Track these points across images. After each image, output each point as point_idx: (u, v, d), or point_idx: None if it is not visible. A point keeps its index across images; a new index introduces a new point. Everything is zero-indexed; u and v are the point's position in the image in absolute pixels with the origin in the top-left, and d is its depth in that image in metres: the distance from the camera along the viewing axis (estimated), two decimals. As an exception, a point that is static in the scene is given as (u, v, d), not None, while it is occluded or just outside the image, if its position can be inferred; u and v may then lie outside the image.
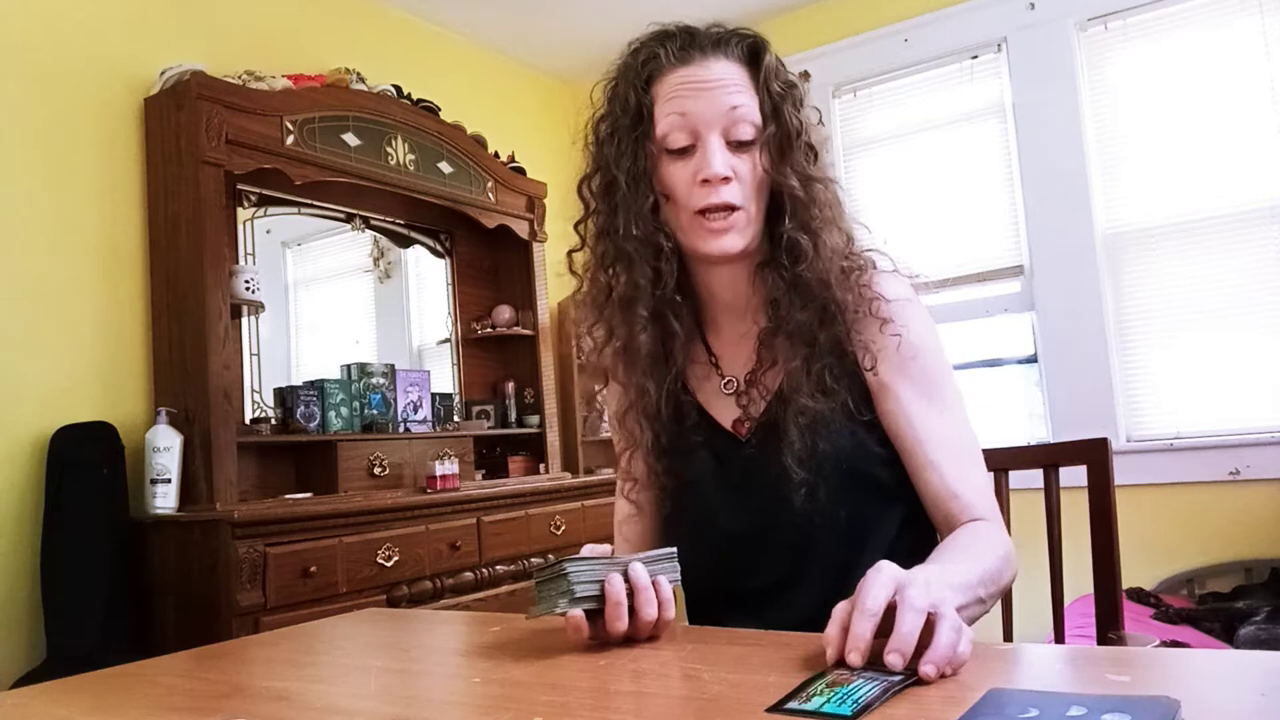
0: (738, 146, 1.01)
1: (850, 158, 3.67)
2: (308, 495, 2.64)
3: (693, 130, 1.01)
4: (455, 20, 3.60)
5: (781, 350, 1.04)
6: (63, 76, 2.45)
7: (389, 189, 3.01)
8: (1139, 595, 2.79)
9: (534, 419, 3.51)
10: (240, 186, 2.76)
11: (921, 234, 3.46)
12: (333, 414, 2.80)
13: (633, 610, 0.84)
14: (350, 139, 2.86)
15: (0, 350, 2.27)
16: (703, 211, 1.00)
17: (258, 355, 2.81)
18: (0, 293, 2.29)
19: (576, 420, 3.83)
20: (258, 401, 2.79)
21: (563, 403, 3.75)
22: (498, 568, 2.86)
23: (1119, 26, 3.18)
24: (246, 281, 2.67)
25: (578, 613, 0.83)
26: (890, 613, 0.67)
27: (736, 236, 1.01)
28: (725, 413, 1.09)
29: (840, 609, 0.70)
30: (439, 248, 3.49)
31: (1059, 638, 1.25)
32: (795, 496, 0.98)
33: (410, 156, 3.06)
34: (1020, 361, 3.36)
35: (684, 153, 1.02)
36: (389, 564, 2.51)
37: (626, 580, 0.84)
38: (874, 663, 0.65)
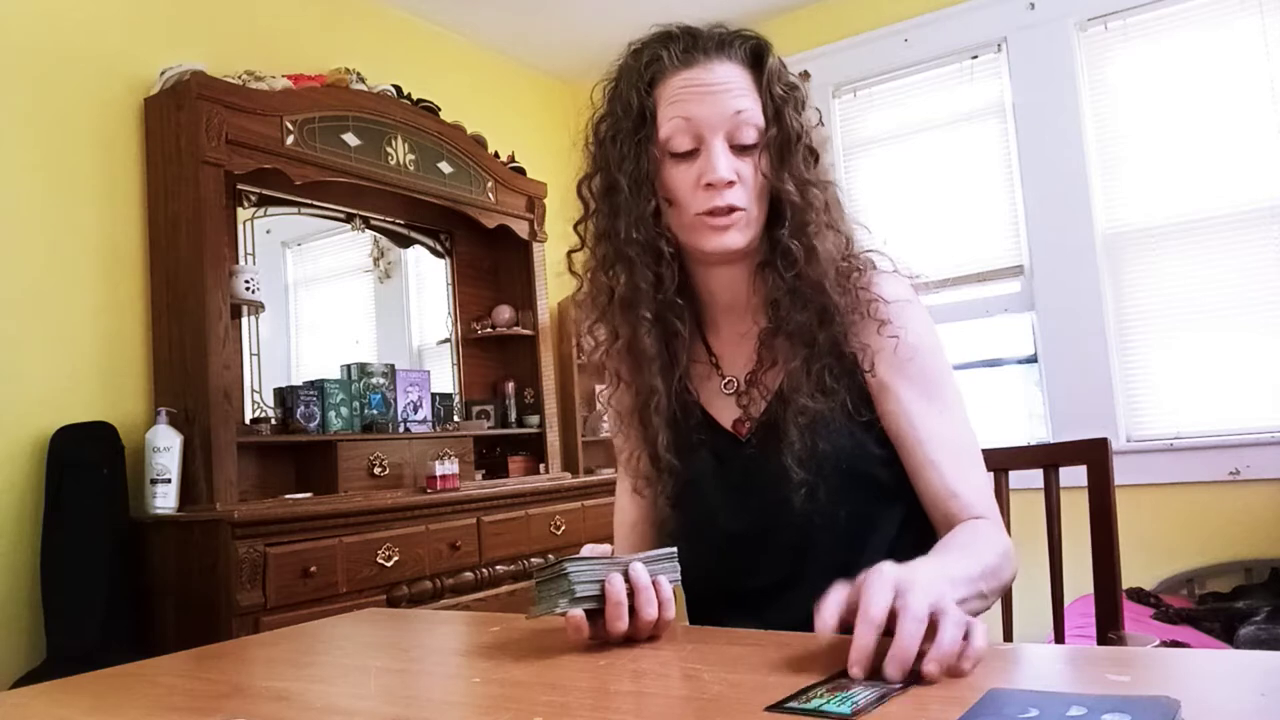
0: (740, 150, 1.01)
1: (850, 158, 3.67)
2: (308, 495, 2.64)
3: (696, 134, 1.00)
4: (455, 20, 3.60)
5: (781, 350, 1.04)
6: (63, 76, 2.45)
7: (389, 189, 3.01)
8: (1139, 595, 2.79)
9: (534, 419, 3.51)
10: (240, 186, 2.76)
11: (921, 234, 3.46)
12: (333, 414, 2.80)
13: (633, 610, 0.84)
14: (350, 139, 2.86)
15: (0, 350, 2.27)
16: (706, 214, 1.00)
17: (258, 355, 2.81)
18: (0, 293, 2.29)
19: (576, 420, 3.83)
20: (258, 401, 2.79)
21: (563, 403, 3.75)
22: (498, 568, 2.86)
23: (1119, 26, 3.18)
24: (246, 281, 2.67)
25: (578, 613, 0.83)
26: (891, 615, 0.67)
27: (738, 234, 1.01)
28: (725, 413, 1.09)
29: (837, 592, 0.70)
30: (439, 248, 3.49)
31: (1059, 638, 1.25)
32: (795, 497, 0.98)
33: (410, 156, 3.06)
34: (1020, 361, 3.36)
35: (687, 156, 1.01)
36: (389, 564, 2.51)
37: (626, 580, 0.85)
38: (874, 674, 0.65)
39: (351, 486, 2.72)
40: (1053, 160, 3.22)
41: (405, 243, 3.38)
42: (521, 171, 3.53)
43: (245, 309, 2.73)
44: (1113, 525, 1.22)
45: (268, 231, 2.90)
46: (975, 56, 3.44)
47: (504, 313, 3.54)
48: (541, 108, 4.08)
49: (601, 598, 0.84)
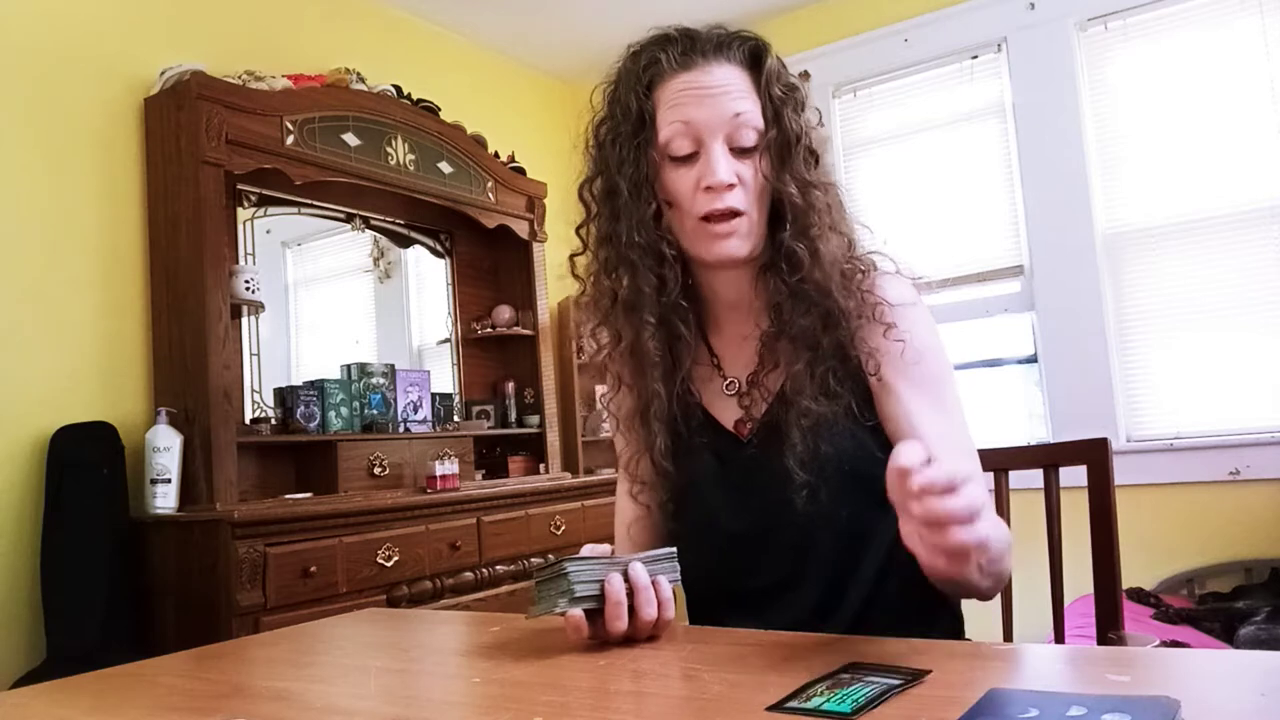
0: (740, 153, 1.01)
1: (850, 158, 3.67)
2: (308, 495, 2.64)
3: (696, 137, 1.00)
4: (455, 20, 3.60)
5: (784, 353, 1.04)
6: (63, 76, 2.45)
7: (389, 189, 3.01)
8: (1139, 595, 2.79)
9: (534, 419, 3.51)
10: (240, 186, 2.76)
11: (922, 234, 3.46)
12: (333, 414, 2.80)
13: (633, 610, 0.84)
14: (350, 139, 2.86)
15: (0, 350, 2.27)
16: (706, 218, 1.00)
17: (258, 355, 2.81)
18: (0, 293, 2.29)
19: (576, 420, 3.83)
20: (258, 401, 2.79)
21: (563, 403, 3.75)
22: (498, 568, 2.86)
23: (1119, 26, 3.18)
24: (246, 281, 2.67)
25: (578, 612, 0.83)
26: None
27: (740, 242, 1.01)
28: (727, 413, 1.09)
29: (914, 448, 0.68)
30: (439, 248, 3.49)
31: (1059, 638, 1.25)
32: (796, 497, 0.98)
33: (410, 156, 3.06)
34: (1020, 361, 3.36)
35: (687, 159, 1.01)
36: (389, 564, 2.51)
37: (626, 580, 0.84)
38: (874, 669, 0.65)
39: (351, 486, 2.72)
40: (1053, 160, 3.22)
41: (405, 243, 3.38)
42: (521, 171, 3.53)
43: (245, 309, 2.73)
44: (1113, 525, 1.22)
45: (268, 231, 2.90)
46: (975, 56, 3.44)
47: (504, 313, 3.54)
48: (541, 108, 4.08)
49: (601, 598, 0.84)
